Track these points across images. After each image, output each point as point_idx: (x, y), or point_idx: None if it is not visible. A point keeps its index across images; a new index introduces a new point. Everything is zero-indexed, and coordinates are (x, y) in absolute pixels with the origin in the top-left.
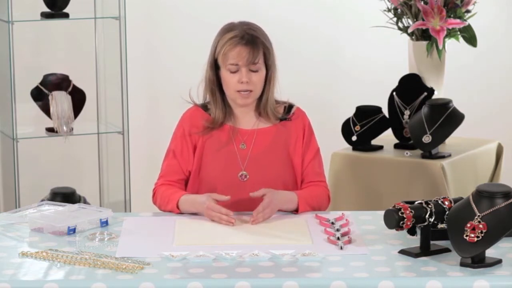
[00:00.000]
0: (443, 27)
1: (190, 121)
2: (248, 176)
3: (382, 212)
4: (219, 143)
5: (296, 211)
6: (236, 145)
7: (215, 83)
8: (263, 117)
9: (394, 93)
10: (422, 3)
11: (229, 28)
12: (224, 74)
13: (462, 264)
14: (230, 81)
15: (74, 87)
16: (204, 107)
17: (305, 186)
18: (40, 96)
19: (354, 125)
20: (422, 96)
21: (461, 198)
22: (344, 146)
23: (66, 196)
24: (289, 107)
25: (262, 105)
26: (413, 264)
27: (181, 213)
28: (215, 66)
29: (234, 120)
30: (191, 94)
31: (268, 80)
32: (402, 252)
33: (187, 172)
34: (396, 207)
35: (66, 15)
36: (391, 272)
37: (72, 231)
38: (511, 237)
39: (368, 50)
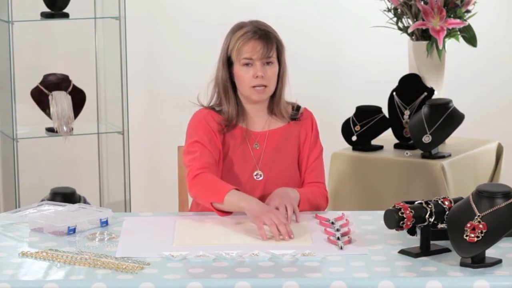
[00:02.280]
0: (443, 27)
1: (207, 119)
2: (262, 175)
3: (382, 212)
4: (234, 143)
5: None
6: (250, 145)
7: (228, 81)
8: (275, 116)
9: (394, 93)
10: (422, 3)
11: (240, 26)
12: (238, 70)
13: (462, 264)
14: (244, 77)
15: (74, 87)
16: (213, 109)
17: (305, 186)
18: (40, 96)
19: (354, 125)
20: (422, 96)
21: (461, 198)
22: (344, 146)
23: (66, 196)
24: (297, 108)
25: (275, 102)
26: (413, 264)
27: (218, 209)
28: (227, 64)
29: (247, 121)
30: (199, 98)
31: (280, 77)
32: (402, 252)
33: (216, 161)
34: (396, 207)
35: (66, 15)
36: (391, 272)
37: (72, 231)
38: (511, 237)
39: (368, 50)
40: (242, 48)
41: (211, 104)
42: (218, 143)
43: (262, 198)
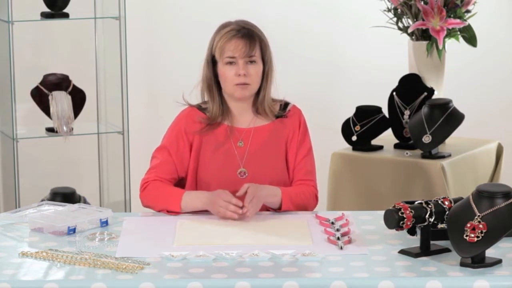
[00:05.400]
0: (443, 27)
1: (187, 120)
2: (247, 173)
3: (382, 212)
4: (216, 142)
5: (279, 208)
6: (234, 143)
7: (213, 80)
8: (260, 114)
9: (394, 93)
10: (422, 3)
11: (225, 25)
12: (222, 68)
13: (462, 264)
14: (227, 75)
15: (74, 87)
16: (199, 107)
17: (294, 185)
18: (40, 96)
19: (354, 125)
20: (422, 96)
21: (461, 198)
22: (344, 146)
23: (66, 196)
24: (285, 105)
25: (259, 101)
26: (413, 264)
27: (177, 212)
28: (212, 62)
29: (231, 119)
30: (184, 97)
31: (265, 76)
32: (402, 252)
33: (179, 174)
34: (396, 207)
35: (66, 15)
36: (391, 272)
37: (72, 231)
38: (511, 237)
39: (368, 50)
40: (225, 46)
41: (200, 103)
42: (186, 153)
43: None
